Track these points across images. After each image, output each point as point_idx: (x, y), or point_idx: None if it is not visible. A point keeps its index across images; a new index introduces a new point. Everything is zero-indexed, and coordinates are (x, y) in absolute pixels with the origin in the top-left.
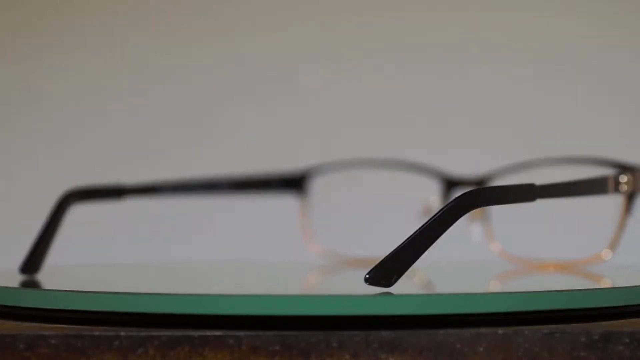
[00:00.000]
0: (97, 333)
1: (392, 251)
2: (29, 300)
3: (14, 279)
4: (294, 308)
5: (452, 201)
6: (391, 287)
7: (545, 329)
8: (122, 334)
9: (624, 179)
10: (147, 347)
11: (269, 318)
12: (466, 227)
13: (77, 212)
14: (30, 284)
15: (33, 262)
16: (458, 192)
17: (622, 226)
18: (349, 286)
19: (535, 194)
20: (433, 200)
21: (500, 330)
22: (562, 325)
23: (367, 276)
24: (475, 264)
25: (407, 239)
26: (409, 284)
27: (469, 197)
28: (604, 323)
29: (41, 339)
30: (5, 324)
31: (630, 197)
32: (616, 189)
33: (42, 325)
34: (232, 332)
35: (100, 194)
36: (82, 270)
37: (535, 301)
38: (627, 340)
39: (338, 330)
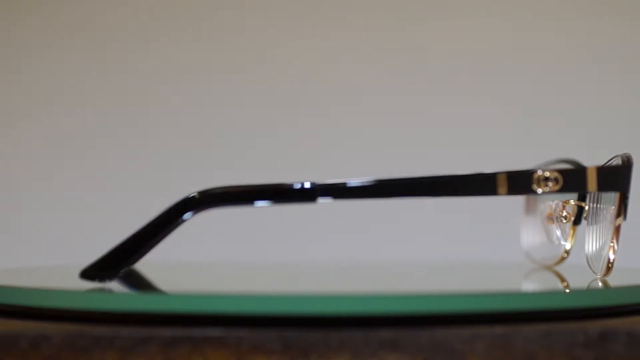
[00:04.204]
0: (98, 332)
1: (111, 248)
2: (31, 299)
3: None
4: (294, 307)
5: (174, 203)
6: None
7: (543, 327)
8: (124, 332)
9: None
10: (148, 346)
11: (270, 317)
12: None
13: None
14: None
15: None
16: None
17: None
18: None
19: (316, 193)
20: (556, 204)
21: (499, 329)
22: (560, 324)
23: (81, 271)
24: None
25: (127, 238)
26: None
27: (191, 199)
28: (601, 322)
29: (43, 338)
30: (8, 322)
31: None
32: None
33: (45, 324)
34: (233, 331)
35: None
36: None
37: (533, 300)
38: (625, 339)
39: (338, 330)
